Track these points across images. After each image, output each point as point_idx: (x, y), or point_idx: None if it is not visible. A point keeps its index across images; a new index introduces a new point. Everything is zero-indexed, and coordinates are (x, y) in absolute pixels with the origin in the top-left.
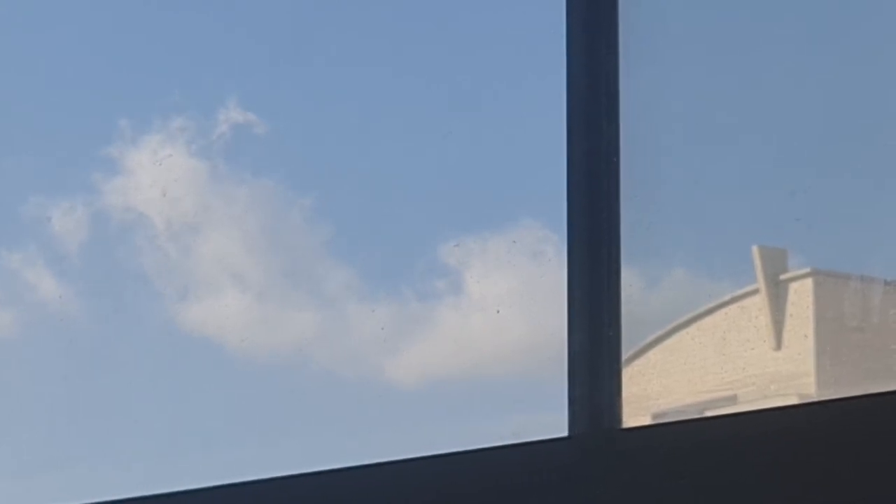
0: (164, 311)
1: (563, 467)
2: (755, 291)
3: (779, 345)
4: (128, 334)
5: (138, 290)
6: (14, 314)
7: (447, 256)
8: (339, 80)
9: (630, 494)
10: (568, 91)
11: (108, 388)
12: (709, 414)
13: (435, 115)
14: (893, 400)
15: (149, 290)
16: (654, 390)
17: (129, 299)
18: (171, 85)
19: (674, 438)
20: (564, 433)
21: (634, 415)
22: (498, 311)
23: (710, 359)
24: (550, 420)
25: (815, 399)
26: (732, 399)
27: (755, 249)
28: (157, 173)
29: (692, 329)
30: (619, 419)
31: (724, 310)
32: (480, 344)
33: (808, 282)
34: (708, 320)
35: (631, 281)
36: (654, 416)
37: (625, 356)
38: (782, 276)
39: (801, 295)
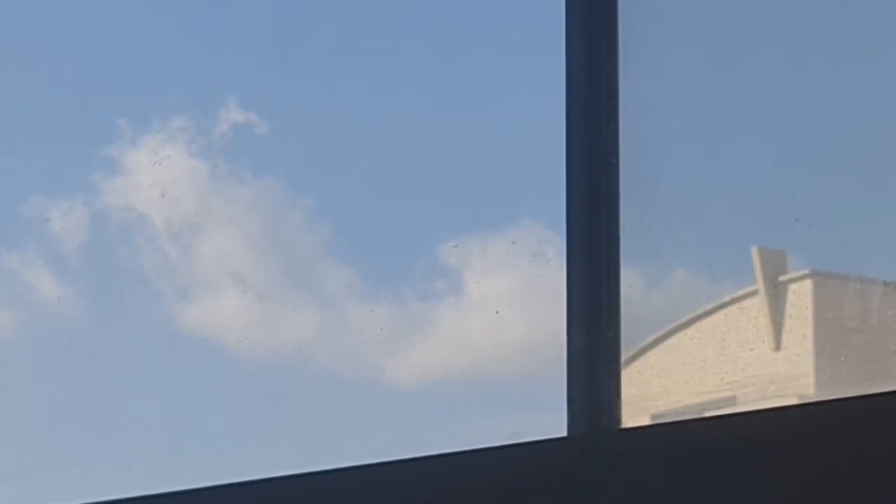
0: (164, 311)
1: (561, 467)
2: (754, 292)
3: (778, 346)
4: (127, 334)
5: (138, 291)
6: (14, 315)
7: (447, 257)
8: (339, 81)
9: (629, 495)
10: (567, 91)
11: (107, 389)
12: (708, 414)
13: (434, 116)
14: (892, 400)
15: (148, 291)
16: (653, 391)
17: (128, 299)
18: (171, 85)
19: (672, 439)
20: (563, 433)
21: (634, 415)
22: (497, 312)
23: (710, 360)
24: (550, 420)
25: (814, 400)
26: (731, 400)
27: (754, 250)
28: (156, 173)
29: (691, 330)
30: (617, 419)
31: (723, 311)
32: (480, 344)
33: (808, 283)
34: (707, 321)
35: (630, 281)
36: (654, 417)
37: (624, 357)
38: (781, 278)
39: (801, 296)
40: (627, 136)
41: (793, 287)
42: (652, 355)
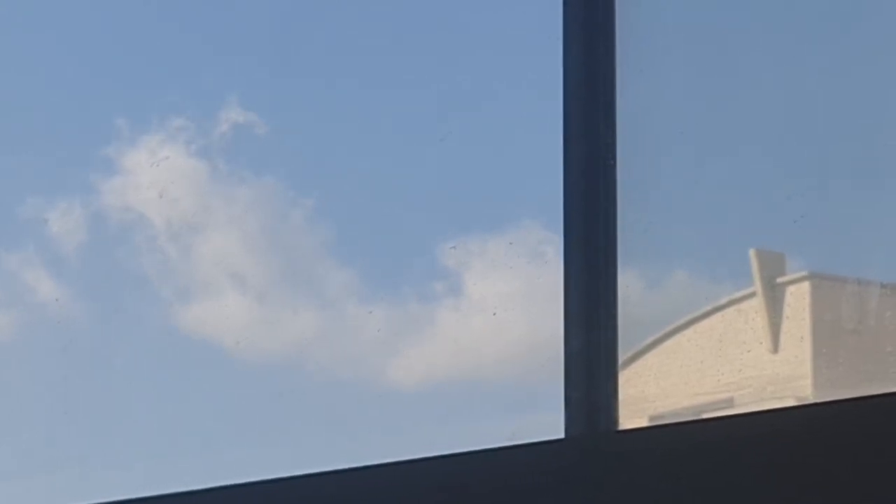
0: (164, 312)
1: (559, 469)
2: (752, 294)
3: (776, 347)
4: (127, 335)
5: (137, 291)
6: (13, 316)
7: (446, 258)
8: (338, 81)
9: (626, 496)
10: (565, 92)
11: (106, 389)
12: (706, 416)
13: (433, 117)
14: (889, 402)
15: (148, 291)
16: (651, 392)
17: (127, 300)
18: (171, 84)
19: (670, 440)
20: (561, 435)
21: (632, 417)
22: (495, 314)
23: (707, 361)
24: (549, 421)
25: (812, 401)
26: (729, 401)
27: (752, 252)
28: (156, 173)
29: (689, 331)
30: (615, 421)
31: (721, 312)
32: (479, 345)
33: (805, 285)
34: (705, 323)
35: (628, 283)
36: (652, 419)
37: (622, 358)
38: (779, 280)
39: (798, 298)
40: (625, 138)
41: (790, 289)
42: (650, 357)
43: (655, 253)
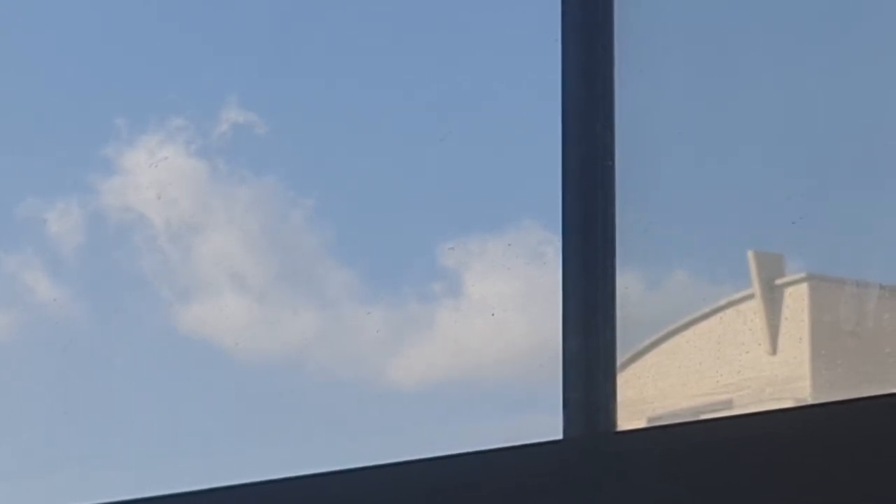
0: (163, 312)
1: (557, 470)
2: (751, 296)
3: (774, 349)
4: (126, 336)
5: (136, 292)
6: (12, 316)
7: (445, 259)
8: (338, 82)
9: (625, 497)
10: (563, 93)
11: (106, 390)
12: (704, 417)
13: (432, 118)
14: (887, 403)
15: (147, 292)
16: (650, 394)
17: (127, 301)
18: (170, 84)
19: (668, 441)
20: (560, 436)
21: (630, 418)
22: (493, 315)
23: (706, 362)
24: (549, 422)
25: (810, 402)
26: (728, 402)
27: (751, 254)
28: (155, 174)
29: (688, 333)
30: (614, 422)
31: (720, 314)
32: (478, 347)
33: (804, 286)
34: (704, 324)
35: (626, 284)
36: (650, 420)
37: (621, 359)
38: (778, 281)
39: (797, 299)
40: (624, 139)
41: (789, 290)
42: (648, 358)
43: (654, 254)
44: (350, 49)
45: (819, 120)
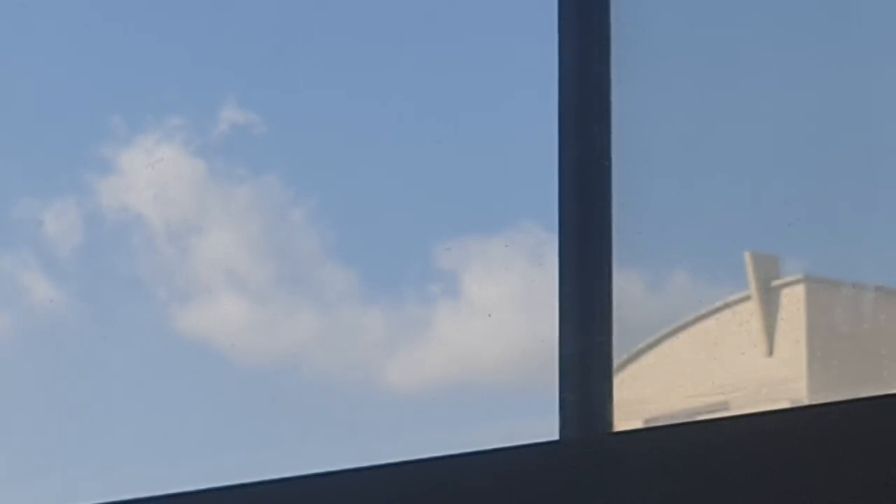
0: (160, 313)
1: (553, 471)
2: (748, 297)
3: (771, 350)
4: (123, 338)
5: (133, 293)
6: (6, 317)
7: (443, 260)
8: (335, 83)
9: (621, 498)
10: (560, 94)
11: (102, 392)
12: (700, 418)
13: (430, 119)
14: (883, 404)
15: (144, 293)
16: (646, 395)
17: (123, 302)
18: (168, 83)
19: (665, 442)
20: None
21: (626, 419)
22: (490, 315)
23: (703, 364)
24: (545, 423)
25: (807, 403)
26: (724, 403)
27: (747, 255)
28: (152, 173)
29: (684, 334)
30: (610, 423)
31: (716, 315)
32: (475, 348)
33: (800, 288)
34: (700, 325)
35: (623, 285)
36: (647, 421)
37: (617, 361)
38: (774, 283)
39: (794, 301)
40: (620, 140)
41: (786, 292)
42: (644, 359)
43: (651, 255)
44: (348, 50)
45: (816, 122)
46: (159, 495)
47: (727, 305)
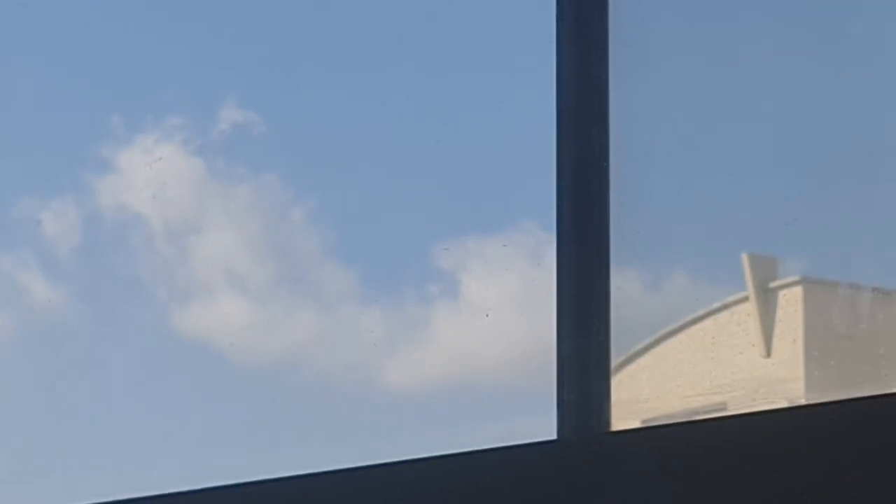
0: (159, 313)
1: (551, 470)
2: (745, 298)
3: (768, 351)
4: (122, 338)
5: (132, 293)
6: (5, 317)
7: (442, 261)
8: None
9: (619, 497)
10: (558, 94)
11: (101, 392)
12: (698, 418)
13: (429, 120)
14: (880, 404)
15: (143, 293)
16: (644, 395)
17: (123, 302)
18: (168, 83)
19: (662, 442)
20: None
21: (624, 419)
22: (487, 315)
23: (700, 364)
24: (544, 423)
25: (804, 403)
26: (722, 403)
27: (745, 257)
28: (152, 173)
29: (682, 335)
30: (608, 423)
31: (714, 316)
32: (474, 347)
33: (798, 289)
34: (698, 326)
35: (621, 285)
36: (644, 421)
37: (615, 361)
38: (772, 284)
39: (791, 302)
40: (618, 140)
41: (783, 293)
42: (643, 360)
43: (649, 256)
44: (348, 50)
45: (813, 123)
46: (159, 495)
47: (725, 306)
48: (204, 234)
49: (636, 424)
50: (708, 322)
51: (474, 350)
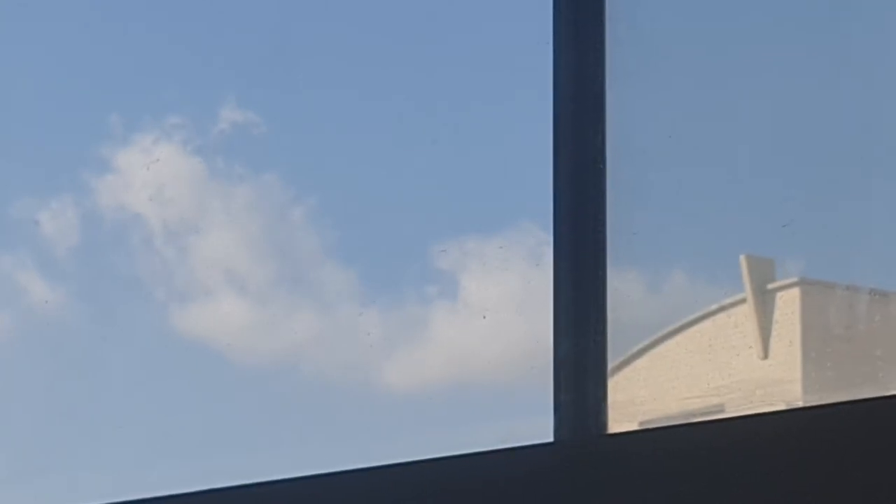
0: (158, 314)
1: (548, 472)
2: (743, 300)
3: (766, 352)
4: (121, 338)
5: (131, 293)
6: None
7: (440, 262)
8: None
9: (615, 500)
10: (555, 96)
11: (100, 393)
12: (695, 420)
13: (428, 121)
14: (878, 406)
15: (143, 293)
16: (641, 397)
17: (122, 302)
18: (167, 83)
19: (659, 444)
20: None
21: (621, 421)
22: (484, 317)
23: (698, 366)
24: (543, 424)
25: (801, 405)
26: (719, 405)
27: (742, 258)
28: (151, 173)
29: (679, 336)
30: (604, 425)
31: (711, 318)
32: (472, 349)
33: (795, 291)
34: (695, 328)
35: (618, 287)
36: (641, 423)
37: (612, 363)
38: (769, 286)
39: (788, 303)
40: (615, 142)
41: (781, 294)
42: (639, 362)
43: (646, 257)
44: (346, 50)
45: (810, 125)
46: (159, 495)
47: (722, 308)
48: (203, 235)
49: (633, 426)
50: (705, 324)
51: (473, 351)
